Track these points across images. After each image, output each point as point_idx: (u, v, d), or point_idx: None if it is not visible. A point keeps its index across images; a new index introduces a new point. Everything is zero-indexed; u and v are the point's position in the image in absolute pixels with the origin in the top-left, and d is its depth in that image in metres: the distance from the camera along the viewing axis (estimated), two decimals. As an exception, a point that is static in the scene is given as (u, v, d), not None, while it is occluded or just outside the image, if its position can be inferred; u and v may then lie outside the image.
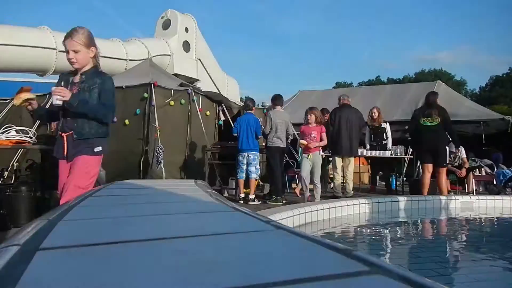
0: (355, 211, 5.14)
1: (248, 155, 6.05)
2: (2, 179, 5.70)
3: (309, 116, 5.79)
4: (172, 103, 7.20)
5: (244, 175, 6.15)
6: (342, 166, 6.69)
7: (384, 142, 7.66)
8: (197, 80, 11.35)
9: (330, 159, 8.03)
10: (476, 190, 7.49)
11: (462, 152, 7.78)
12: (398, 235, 4.55)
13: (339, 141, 6.48)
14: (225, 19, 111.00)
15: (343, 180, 6.86)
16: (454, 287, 2.38)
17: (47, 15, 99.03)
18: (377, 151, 7.41)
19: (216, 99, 8.32)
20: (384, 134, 7.71)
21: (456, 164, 7.76)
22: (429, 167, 6.18)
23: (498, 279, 2.75)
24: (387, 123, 7.94)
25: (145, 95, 6.90)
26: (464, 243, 4.20)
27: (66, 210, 1.09)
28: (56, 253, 0.64)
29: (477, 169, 8.09)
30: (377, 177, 8.94)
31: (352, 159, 6.74)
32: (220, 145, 7.34)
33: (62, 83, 2.87)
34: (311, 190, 5.92)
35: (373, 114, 7.66)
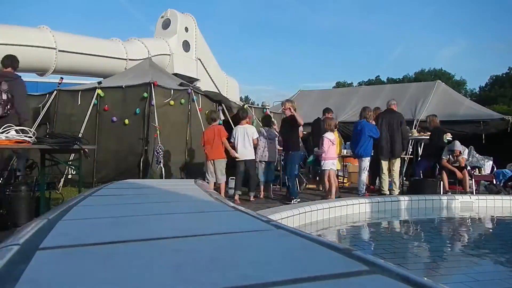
0: (355, 211, 5.14)
1: None
2: (1, 179, 5.69)
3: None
4: (172, 102, 7.20)
5: None
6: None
7: None
8: (197, 79, 11.35)
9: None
10: (476, 190, 7.48)
11: (465, 152, 7.77)
12: (398, 235, 4.55)
13: (379, 144, 6.88)
14: (228, 14, 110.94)
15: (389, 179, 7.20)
16: (454, 287, 2.38)
17: (49, 14, 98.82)
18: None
19: (216, 99, 8.32)
20: None
21: (457, 164, 7.76)
22: None
23: (498, 279, 2.75)
24: None
25: (145, 94, 6.90)
26: (464, 243, 4.20)
27: (65, 209, 1.09)
28: (56, 252, 0.64)
29: (476, 169, 8.08)
30: (377, 177, 8.93)
31: (397, 160, 7.04)
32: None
33: None
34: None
35: None
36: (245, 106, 9.26)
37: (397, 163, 7.04)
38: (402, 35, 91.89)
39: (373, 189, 7.93)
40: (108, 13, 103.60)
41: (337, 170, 7.58)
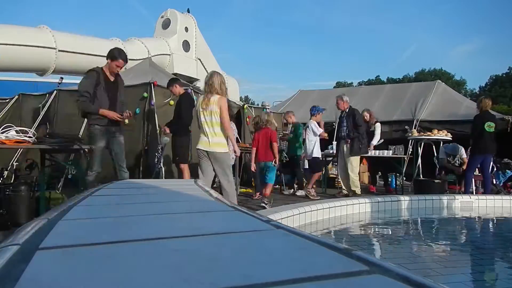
0: (355, 211, 5.15)
1: None
2: (1, 179, 5.69)
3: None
4: (171, 102, 7.20)
5: None
6: None
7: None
8: (197, 79, 11.35)
9: (329, 159, 8.05)
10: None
11: (462, 152, 7.80)
12: (398, 235, 4.55)
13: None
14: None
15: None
16: (454, 287, 2.38)
17: (49, 13, 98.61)
18: (378, 151, 7.42)
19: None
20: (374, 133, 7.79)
21: (457, 163, 7.77)
22: None
23: (498, 279, 2.75)
24: (378, 123, 7.99)
25: (145, 94, 6.90)
26: (464, 243, 4.20)
27: (65, 209, 1.09)
28: (56, 252, 0.64)
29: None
30: (377, 177, 8.94)
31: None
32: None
33: None
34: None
35: (365, 117, 7.72)
36: (245, 106, 9.26)
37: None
38: (403, 35, 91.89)
39: (373, 189, 7.92)
40: (111, 9, 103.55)
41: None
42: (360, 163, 7.55)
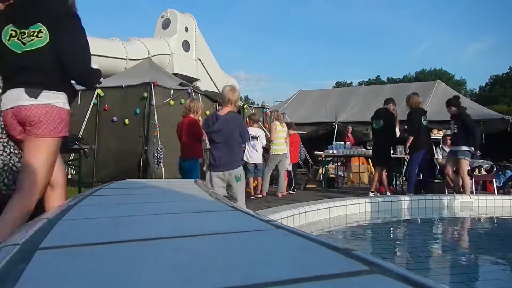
0: (355, 211, 5.14)
1: None
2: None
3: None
4: (172, 102, 7.21)
5: None
6: None
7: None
8: (196, 79, 11.36)
9: (329, 159, 8.05)
10: (475, 189, 7.48)
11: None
12: (398, 235, 4.55)
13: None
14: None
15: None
16: (454, 287, 2.38)
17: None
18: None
19: (216, 99, 8.33)
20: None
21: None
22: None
23: (497, 279, 2.75)
24: None
25: (145, 94, 6.90)
26: (464, 243, 4.20)
27: (65, 209, 1.09)
28: (56, 252, 0.64)
29: (476, 169, 8.09)
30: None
31: None
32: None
33: None
34: None
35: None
36: (245, 106, 9.27)
37: None
38: (404, 36, 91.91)
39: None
40: (112, 8, 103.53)
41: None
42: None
